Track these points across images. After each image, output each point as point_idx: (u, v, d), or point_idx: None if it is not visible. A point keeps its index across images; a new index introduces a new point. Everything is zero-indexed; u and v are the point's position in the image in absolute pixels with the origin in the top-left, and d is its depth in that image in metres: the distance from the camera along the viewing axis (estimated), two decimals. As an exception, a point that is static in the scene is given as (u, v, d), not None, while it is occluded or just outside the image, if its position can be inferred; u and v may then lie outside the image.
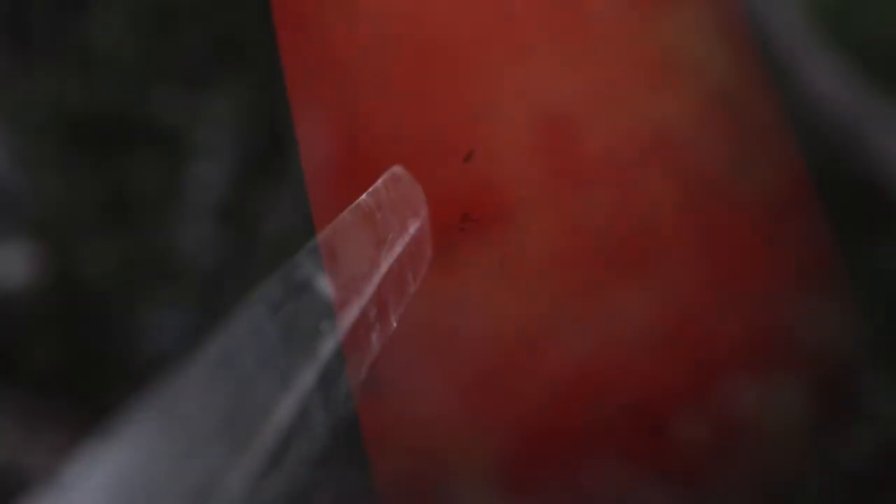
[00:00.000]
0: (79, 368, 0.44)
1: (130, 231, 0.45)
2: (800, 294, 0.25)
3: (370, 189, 0.20)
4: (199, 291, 0.43)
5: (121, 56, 0.46)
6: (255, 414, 0.13)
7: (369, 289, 0.18)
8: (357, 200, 0.19)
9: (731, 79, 0.25)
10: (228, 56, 0.46)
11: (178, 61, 0.46)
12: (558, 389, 0.24)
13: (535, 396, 0.24)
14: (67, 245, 0.45)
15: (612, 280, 0.24)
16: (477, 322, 0.24)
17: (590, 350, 0.24)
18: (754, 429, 0.24)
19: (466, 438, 0.23)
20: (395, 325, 0.19)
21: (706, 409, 0.24)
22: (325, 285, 0.16)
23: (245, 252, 0.43)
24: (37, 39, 0.46)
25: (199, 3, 0.46)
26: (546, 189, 0.24)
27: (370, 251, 0.18)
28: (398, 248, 0.20)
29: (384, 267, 0.19)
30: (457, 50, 0.25)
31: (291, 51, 0.26)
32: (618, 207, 0.24)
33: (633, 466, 0.24)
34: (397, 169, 0.21)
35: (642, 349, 0.24)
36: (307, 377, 0.15)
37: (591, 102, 0.24)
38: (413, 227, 0.20)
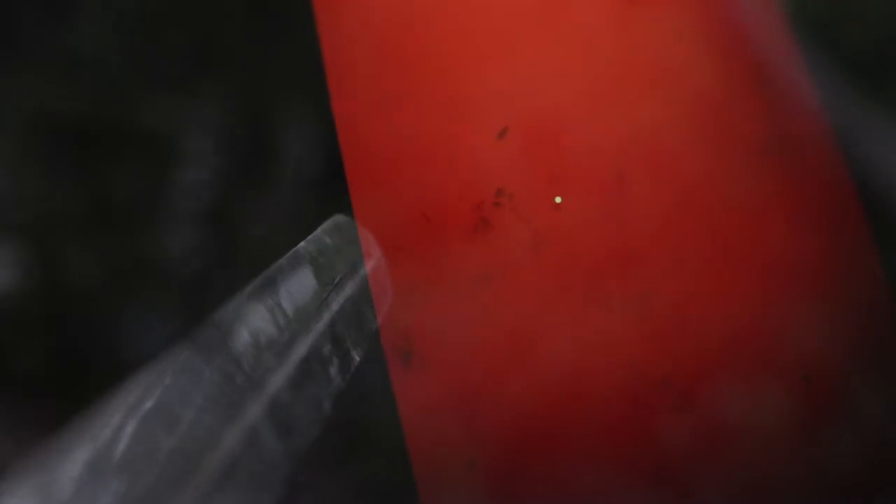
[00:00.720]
0: (62, 371, 0.44)
1: (114, 235, 0.45)
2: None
3: (309, 237, 0.20)
4: (183, 295, 0.43)
5: (105, 60, 0.46)
6: (199, 445, 0.14)
7: (320, 325, 0.18)
8: (296, 247, 0.20)
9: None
10: (212, 61, 0.46)
11: (163, 66, 0.46)
12: (588, 363, 0.24)
13: (564, 370, 0.24)
14: (51, 249, 0.45)
15: (635, 263, 0.25)
16: (510, 297, 0.24)
17: (614, 329, 0.24)
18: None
19: (498, 409, 0.24)
20: (357, 359, 0.19)
21: (711, 398, 0.24)
22: (268, 322, 0.17)
23: (229, 256, 0.43)
24: (21, 43, 0.46)
25: (182, 7, 0.46)
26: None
27: (315, 292, 0.19)
28: (349, 289, 0.20)
29: (335, 306, 0.19)
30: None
31: (331, 38, 0.26)
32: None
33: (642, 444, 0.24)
34: (340, 218, 0.22)
35: (663, 332, 0.24)
36: (253, 410, 0.15)
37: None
38: (366, 268, 0.21)
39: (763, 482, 0.23)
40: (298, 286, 0.19)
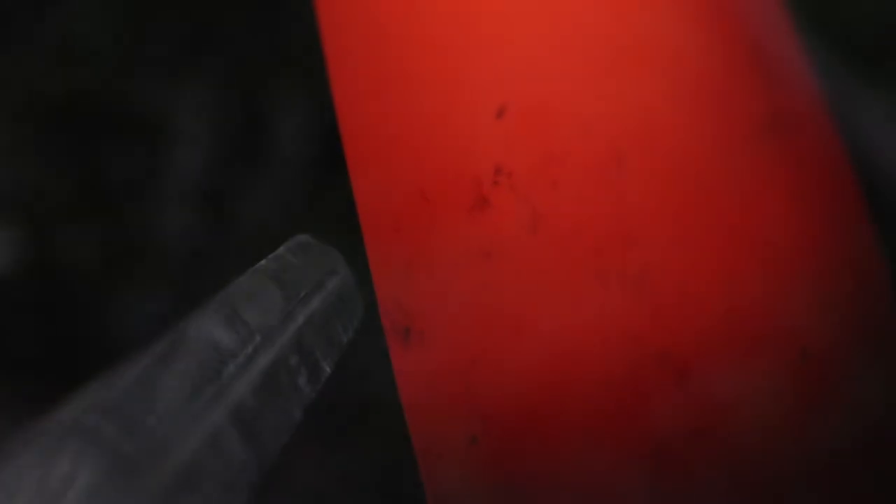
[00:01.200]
0: (55, 353, 0.44)
1: (107, 217, 0.45)
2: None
3: (271, 256, 0.21)
4: (176, 276, 0.43)
5: (98, 42, 0.46)
6: (158, 450, 0.14)
7: (285, 337, 0.18)
8: (257, 265, 0.20)
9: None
10: (211, 43, 0.46)
11: (160, 47, 0.46)
12: (587, 339, 0.24)
13: (563, 346, 0.24)
14: (44, 231, 0.45)
15: (635, 242, 0.25)
16: (509, 274, 0.24)
17: (613, 306, 0.24)
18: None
19: (499, 385, 0.24)
20: (328, 370, 0.20)
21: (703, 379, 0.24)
22: (229, 334, 0.17)
23: (221, 238, 0.43)
24: (16, 26, 0.46)
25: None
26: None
27: (279, 305, 0.19)
28: (316, 303, 0.20)
29: (301, 319, 0.19)
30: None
31: (329, 18, 0.26)
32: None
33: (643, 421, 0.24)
34: (302, 237, 0.22)
35: (662, 308, 0.24)
36: (216, 418, 0.16)
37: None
38: (332, 284, 0.21)
39: (760, 456, 0.24)
40: (260, 300, 0.19)
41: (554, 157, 0.25)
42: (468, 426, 0.24)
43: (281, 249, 0.21)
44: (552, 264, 0.24)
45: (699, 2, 0.26)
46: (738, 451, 0.24)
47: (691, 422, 0.24)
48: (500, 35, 0.25)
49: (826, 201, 0.25)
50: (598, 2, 0.25)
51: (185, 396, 0.15)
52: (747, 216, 0.25)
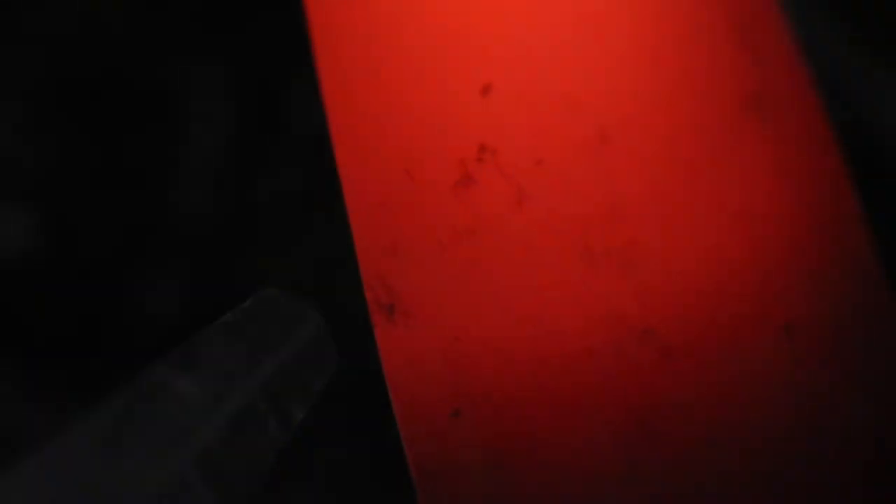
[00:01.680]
0: (73, 332, 0.44)
1: (125, 196, 0.45)
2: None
3: (235, 308, 0.21)
4: (194, 256, 0.43)
5: (113, 21, 0.46)
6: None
7: (248, 385, 0.19)
8: (220, 318, 0.20)
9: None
10: (220, 21, 0.46)
11: (171, 27, 0.46)
12: (571, 315, 0.24)
13: (548, 322, 0.24)
14: (62, 210, 0.45)
15: (624, 218, 0.25)
16: (493, 251, 0.24)
17: (597, 282, 0.24)
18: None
19: (482, 361, 0.24)
20: (301, 416, 0.21)
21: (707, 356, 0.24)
22: (190, 383, 0.17)
23: (239, 216, 0.43)
24: (31, 9, 0.46)
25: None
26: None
27: (242, 355, 0.20)
28: (284, 352, 0.21)
29: (268, 367, 0.20)
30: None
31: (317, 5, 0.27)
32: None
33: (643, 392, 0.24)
34: (270, 290, 0.22)
35: (646, 285, 0.24)
36: (177, 465, 0.16)
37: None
38: (302, 333, 0.22)
39: (741, 430, 0.24)
40: (221, 350, 0.19)
41: (539, 135, 0.25)
42: (452, 401, 0.24)
43: (246, 303, 0.21)
44: (537, 242, 0.24)
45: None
46: (718, 425, 0.24)
47: (673, 397, 0.24)
48: (487, 13, 0.25)
49: (812, 179, 0.25)
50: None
51: (149, 449, 0.16)
52: (733, 194, 0.25)
